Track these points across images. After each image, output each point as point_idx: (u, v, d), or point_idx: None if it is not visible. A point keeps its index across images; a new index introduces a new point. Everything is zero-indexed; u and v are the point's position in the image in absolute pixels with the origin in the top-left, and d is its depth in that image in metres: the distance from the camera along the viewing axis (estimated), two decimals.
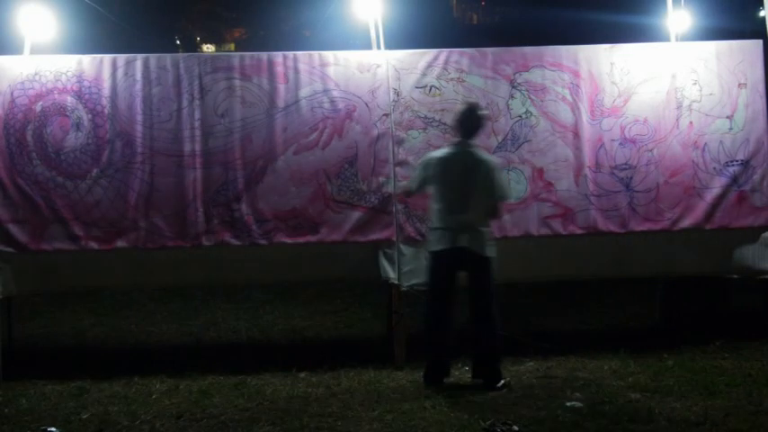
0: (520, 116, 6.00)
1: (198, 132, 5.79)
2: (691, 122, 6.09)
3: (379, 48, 6.04)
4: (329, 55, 5.94)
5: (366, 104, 5.91)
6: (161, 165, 5.75)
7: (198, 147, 5.78)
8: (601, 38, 7.20)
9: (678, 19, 6.37)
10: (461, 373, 5.60)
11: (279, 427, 4.63)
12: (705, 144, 6.07)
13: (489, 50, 6.06)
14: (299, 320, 7.73)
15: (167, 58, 5.87)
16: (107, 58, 5.81)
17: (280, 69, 5.88)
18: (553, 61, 6.05)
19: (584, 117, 6.03)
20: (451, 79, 5.98)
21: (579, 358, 5.83)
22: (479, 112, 5.45)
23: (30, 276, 5.75)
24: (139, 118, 5.75)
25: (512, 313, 7.69)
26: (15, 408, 5.04)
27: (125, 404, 5.06)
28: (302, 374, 5.63)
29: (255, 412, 4.87)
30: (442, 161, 5.37)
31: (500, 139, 5.98)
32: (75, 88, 5.74)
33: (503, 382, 5.23)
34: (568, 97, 6.03)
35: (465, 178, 5.29)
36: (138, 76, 5.77)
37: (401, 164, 5.91)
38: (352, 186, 5.88)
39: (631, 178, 6.01)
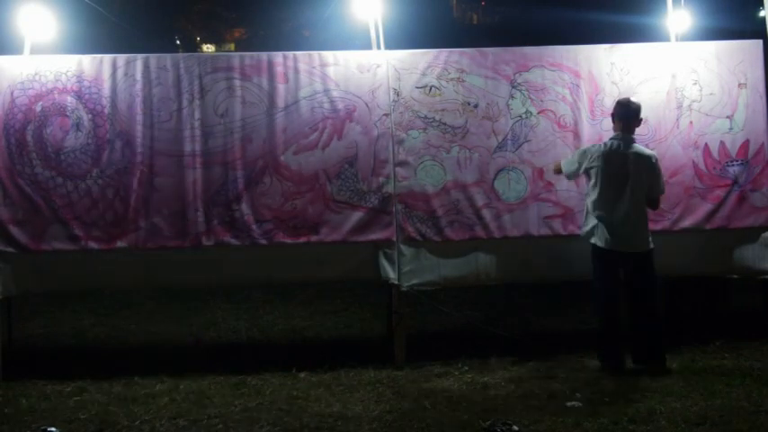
0: (520, 116, 6.00)
1: (198, 132, 5.79)
2: (691, 122, 6.09)
3: (379, 48, 6.03)
4: (329, 55, 5.94)
5: (366, 104, 5.91)
6: (161, 165, 5.74)
7: (198, 147, 5.78)
8: (601, 38, 7.17)
9: (678, 19, 6.36)
10: (461, 373, 5.60)
11: (279, 427, 4.63)
12: (705, 144, 6.07)
13: (489, 50, 6.06)
14: (299, 320, 7.72)
15: (167, 58, 5.87)
16: (107, 58, 5.81)
17: (280, 69, 5.88)
18: (553, 61, 6.05)
19: (585, 117, 6.03)
20: (452, 79, 5.98)
21: (579, 358, 5.83)
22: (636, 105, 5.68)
23: (30, 276, 5.74)
24: (139, 118, 5.74)
25: (512, 313, 7.71)
26: (15, 408, 5.05)
27: (125, 404, 5.07)
28: (302, 374, 5.63)
29: (255, 412, 4.87)
30: (604, 155, 5.58)
31: (500, 139, 5.98)
32: (75, 88, 5.74)
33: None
34: (568, 97, 6.03)
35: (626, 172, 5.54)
36: (138, 76, 5.77)
37: (401, 164, 5.91)
38: (352, 186, 5.87)
39: None
